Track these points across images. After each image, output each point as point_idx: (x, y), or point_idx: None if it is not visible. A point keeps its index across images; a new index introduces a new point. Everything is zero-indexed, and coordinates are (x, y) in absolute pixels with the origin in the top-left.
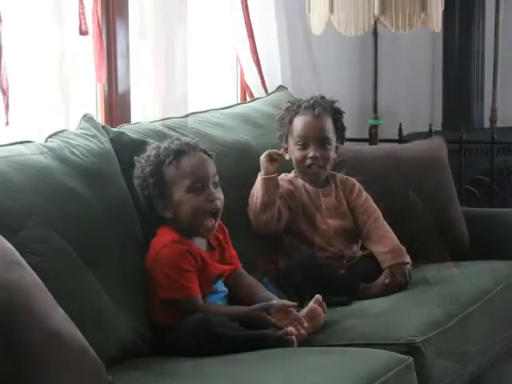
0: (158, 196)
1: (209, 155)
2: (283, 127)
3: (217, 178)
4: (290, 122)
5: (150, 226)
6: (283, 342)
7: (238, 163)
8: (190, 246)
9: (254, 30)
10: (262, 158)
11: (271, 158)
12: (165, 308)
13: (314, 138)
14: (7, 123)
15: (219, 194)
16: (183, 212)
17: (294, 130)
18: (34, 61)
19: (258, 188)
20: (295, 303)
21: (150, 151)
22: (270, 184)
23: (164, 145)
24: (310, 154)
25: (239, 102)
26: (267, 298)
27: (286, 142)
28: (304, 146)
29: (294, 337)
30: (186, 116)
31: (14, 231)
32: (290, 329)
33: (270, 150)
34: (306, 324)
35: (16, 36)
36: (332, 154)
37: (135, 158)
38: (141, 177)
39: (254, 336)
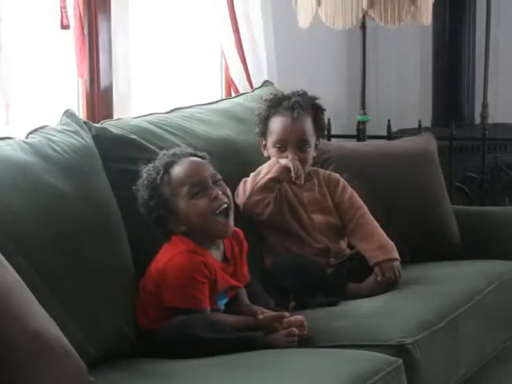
0: (166, 214)
1: (200, 157)
2: (261, 124)
3: (218, 176)
4: (268, 119)
5: (134, 225)
6: (272, 345)
7: (222, 159)
8: (205, 257)
9: (239, 25)
10: (279, 166)
11: (279, 180)
12: (162, 315)
13: (292, 141)
14: (7, 123)
15: (224, 190)
16: (193, 219)
17: (272, 130)
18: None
19: (265, 170)
20: (287, 313)
21: (142, 176)
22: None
23: (152, 164)
24: (289, 157)
25: (224, 97)
26: (251, 310)
27: (265, 138)
28: (281, 148)
29: (295, 337)
30: (170, 112)
31: None
32: (293, 329)
33: (290, 171)
34: (305, 324)
35: (14, 35)
36: (311, 155)
37: (133, 188)
38: (143, 204)
39: (241, 338)
